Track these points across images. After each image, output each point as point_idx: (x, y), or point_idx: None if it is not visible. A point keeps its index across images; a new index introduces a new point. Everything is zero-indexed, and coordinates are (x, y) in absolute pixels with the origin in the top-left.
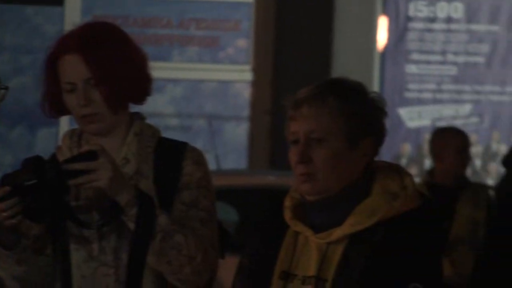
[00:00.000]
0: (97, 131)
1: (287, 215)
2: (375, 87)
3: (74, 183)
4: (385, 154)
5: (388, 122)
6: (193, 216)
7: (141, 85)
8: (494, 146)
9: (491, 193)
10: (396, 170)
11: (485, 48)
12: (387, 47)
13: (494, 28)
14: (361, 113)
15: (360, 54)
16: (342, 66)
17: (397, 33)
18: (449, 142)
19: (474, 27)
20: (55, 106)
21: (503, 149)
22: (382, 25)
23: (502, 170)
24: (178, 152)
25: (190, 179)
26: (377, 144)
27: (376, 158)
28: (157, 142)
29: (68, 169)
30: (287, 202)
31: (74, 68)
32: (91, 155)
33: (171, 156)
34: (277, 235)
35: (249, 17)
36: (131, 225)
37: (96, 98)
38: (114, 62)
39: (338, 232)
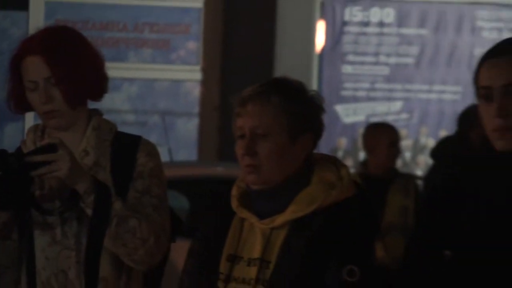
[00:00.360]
0: (57, 126)
1: (234, 203)
2: (314, 86)
3: (35, 174)
4: (323, 147)
5: (325, 118)
6: (146, 203)
7: (98, 84)
8: (423, 140)
9: (420, 183)
10: (333, 162)
11: (414, 50)
12: (324, 49)
13: (422, 31)
14: (301, 110)
15: (300, 56)
16: (284, 67)
17: (334, 37)
18: (381, 136)
19: (404, 31)
20: (20, 103)
21: (430, 142)
22: (320, 29)
23: (430, 161)
24: (133, 145)
25: (143, 169)
26: (315, 139)
27: (315, 151)
28: (113, 136)
29: (30, 161)
30: (234, 191)
31: (36, 68)
32: (51, 148)
33: (126, 148)
34: (224, 222)
35: (199, 22)
36: (89, 212)
37: (56, 95)
38: (72, 63)
39: (281, 219)
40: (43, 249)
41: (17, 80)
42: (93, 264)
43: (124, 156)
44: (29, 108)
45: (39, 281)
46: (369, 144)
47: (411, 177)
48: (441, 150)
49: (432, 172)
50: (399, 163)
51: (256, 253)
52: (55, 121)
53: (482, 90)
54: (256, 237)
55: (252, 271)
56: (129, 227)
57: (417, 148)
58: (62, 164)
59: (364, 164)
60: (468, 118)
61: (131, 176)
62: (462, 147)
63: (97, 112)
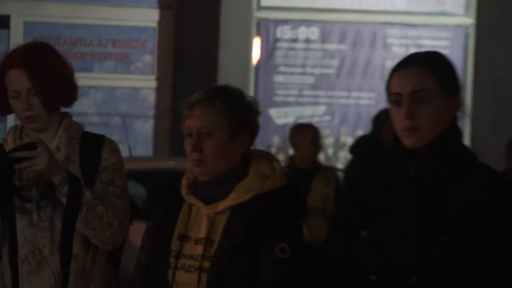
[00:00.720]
0: (35, 128)
1: (184, 191)
2: (251, 93)
3: (18, 167)
4: (259, 145)
5: (261, 120)
6: (110, 192)
7: (70, 93)
8: (343, 138)
9: (340, 174)
10: (267, 157)
11: (335, 62)
12: (260, 62)
13: (342, 47)
14: (240, 113)
15: (239, 67)
16: (226, 77)
17: (268, 51)
18: (304, 134)
19: (327, 46)
20: (3, 108)
21: (349, 140)
22: (256, 45)
23: (349, 156)
24: (98, 143)
25: (108, 164)
26: (252, 137)
27: (252, 148)
28: (81, 135)
29: (13, 156)
30: (184, 181)
31: (18, 80)
32: (32, 146)
33: (92, 145)
34: (176, 207)
35: (153, 38)
36: (63, 200)
37: (35, 103)
38: (50, 75)
39: (223, 205)
40: (22, 231)
41: (1, 89)
42: (67, 244)
43: (91, 152)
44: (11, 112)
45: (19, 257)
46: (294, 141)
47: (332, 169)
48: (358, 147)
49: (350, 165)
50: (322, 158)
51: (202, 233)
52: (34, 125)
53: (393, 96)
54: (202, 220)
55: (199, 249)
56: (97, 213)
57: (338, 145)
58: (41, 159)
59: (291, 158)
60: (380, 120)
61: (97, 169)
62: (376, 144)
63: (67, 115)
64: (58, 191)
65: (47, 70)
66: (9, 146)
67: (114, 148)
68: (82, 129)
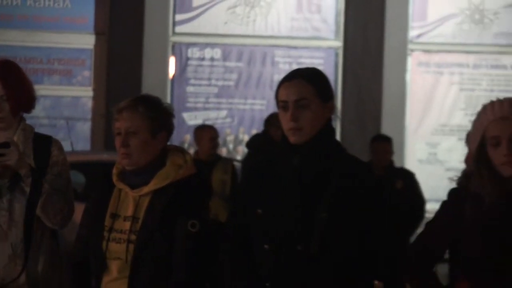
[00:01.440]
0: (1, 128)
1: (114, 178)
2: (168, 100)
3: None
4: (174, 141)
5: (175, 122)
6: (60, 183)
7: (31, 101)
8: (240, 136)
9: (237, 164)
10: (180, 151)
11: (234, 76)
12: (175, 76)
13: (239, 64)
14: (159, 116)
15: (158, 80)
16: (148, 87)
17: (181, 68)
18: (204, 133)
19: (227, 63)
20: None
21: (246, 138)
22: (172, 62)
23: (245, 150)
24: (47, 142)
25: (57, 159)
26: (168, 135)
27: (169, 143)
28: (33, 135)
29: None
30: (114, 170)
31: None
32: (5, 144)
33: (43, 144)
34: (108, 191)
35: (91, 57)
36: (27, 189)
37: (5, 108)
38: (19, 86)
39: (146, 189)
40: None
41: None
42: (30, 225)
43: (42, 149)
44: None
45: None
46: (197, 139)
47: (229, 160)
48: (252, 143)
49: (246, 158)
50: (224, 152)
51: (130, 212)
52: (1, 125)
53: (281, 103)
54: (129, 202)
55: (127, 225)
56: (53, 201)
57: (237, 142)
58: (12, 156)
59: (196, 152)
60: (270, 122)
61: (47, 163)
62: (267, 141)
63: (23, 118)
64: (23, 181)
65: (17, 81)
66: None
67: (60, 146)
68: (33, 130)
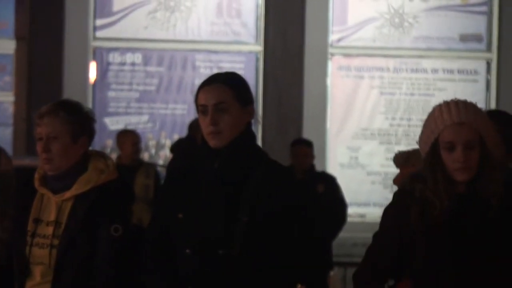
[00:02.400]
0: None
1: (36, 183)
2: (89, 105)
3: None
4: (96, 146)
5: (97, 126)
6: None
7: None
8: (162, 141)
9: (159, 168)
10: (102, 156)
11: (155, 81)
12: (96, 81)
13: (160, 69)
14: (80, 121)
15: (79, 85)
16: (69, 93)
17: (102, 72)
18: (126, 138)
19: (148, 68)
20: None
21: (168, 142)
22: (93, 67)
23: (168, 155)
24: None
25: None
26: (90, 140)
27: (90, 148)
28: None
29: None
30: (36, 175)
31: None
32: None
33: None
34: (31, 196)
35: (12, 63)
36: None
37: None
38: None
39: (68, 194)
40: None
41: None
42: None
43: None
44: None
45: None
46: (119, 144)
47: (152, 165)
48: (176, 147)
49: (170, 162)
50: (147, 156)
51: (52, 217)
52: None
53: (200, 107)
54: (52, 206)
55: (50, 229)
56: None
57: (159, 146)
58: None
59: (118, 157)
60: (194, 126)
61: None
62: (190, 145)
63: None
64: None
65: None
66: None
67: (7, 154)
68: None
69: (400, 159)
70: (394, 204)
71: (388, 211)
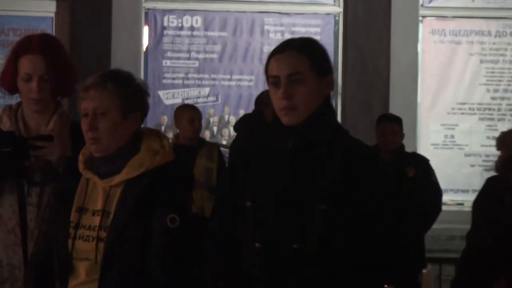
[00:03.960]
0: (38, 110)
1: (81, 166)
2: (141, 76)
3: (35, 154)
4: (149, 123)
5: (151, 101)
6: None
7: (72, 84)
8: (226, 117)
9: (223, 149)
10: (156, 134)
11: (217, 48)
12: (149, 48)
13: (223, 34)
14: (131, 94)
15: (130, 53)
16: (118, 62)
17: (156, 38)
18: (185, 114)
19: (209, 33)
20: (11, 88)
21: (232, 119)
22: (145, 32)
23: (232, 133)
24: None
25: None
26: (142, 116)
27: (143, 126)
28: (71, 123)
29: (32, 144)
30: (80, 157)
31: (34, 65)
32: (49, 137)
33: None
34: (74, 181)
35: (51, 27)
36: None
37: (46, 88)
38: (62, 65)
39: (117, 179)
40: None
41: (13, 70)
42: None
43: (82, 140)
44: (17, 91)
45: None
46: (176, 120)
47: (215, 145)
48: (241, 125)
49: (235, 142)
50: (208, 135)
51: (99, 205)
52: (38, 107)
53: (271, 78)
54: (98, 193)
55: (96, 220)
56: None
57: (222, 123)
58: (55, 151)
59: (176, 136)
60: (263, 100)
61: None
62: (258, 122)
63: (60, 103)
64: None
65: (61, 60)
66: (4, 123)
67: None
68: (71, 117)
69: (498, 140)
70: (483, 195)
71: (477, 203)
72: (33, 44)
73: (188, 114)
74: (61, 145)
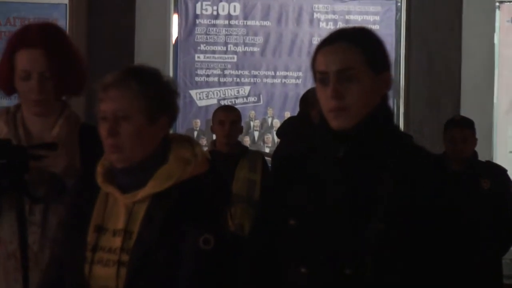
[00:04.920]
0: (40, 113)
1: (99, 179)
2: (170, 73)
3: (37, 165)
4: (180, 128)
5: (181, 102)
6: None
7: (82, 81)
8: (269, 120)
9: (267, 158)
10: (187, 141)
11: (259, 40)
12: (179, 40)
13: (266, 23)
14: (158, 94)
15: (157, 46)
16: (143, 56)
17: (187, 28)
18: (224, 117)
19: (250, 22)
20: (7, 88)
21: (276, 123)
22: (174, 21)
23: (276, 139)
24: (98, 135)
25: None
26: (171, 120)
27: (173, 132)
28: (80, 126)
29: (33, 154)
30: (99, 169)
31: (33, 60)
32: (53, 146)
33: (93, 138)
34: (91, 196)
35: (65, 16)
36: None
37: (47, 87)
38: (67, 59)
39: (142, 193)
40: (11, 224)
41: (8, 67)
42: None
43: (92, 145)
44: (15, 92)
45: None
46: (214, 125)
47: (258, 154)
48: (285, 130)
49: (278, 149)
50: (248, 141)
51: (120, 224)
52: (40, 109)
53: (319, 74)
54: (120, 210)
55: (117, 241)
56: None
57: (264, 128)
58: (60, 161)
59: (213, 142)
60: (309, 100)
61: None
62: (304, 126)
63: (67, 104)
64: (66, 191)
65: (65, 53)
66: (1, 129)
67: None
68: (80, 119)
69: None
70: None
71: None
72: (31, 35)
73: (219, 115)
74: (68, 153)
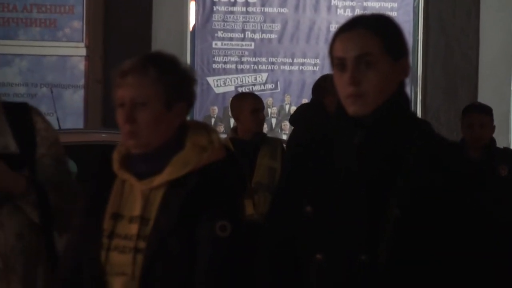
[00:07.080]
0: None
1: (116, 166)
2: (187, 60)
3: None
4: (197, 115)
5: (198, 89)
6: (62, 171)
7: None
8: (287, 107)
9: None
10: (204, 128)
11: (277, 27)
12: (196, 27)
13: (284, 10)
14: (175, 81)
15: (174, 33)
16: (160, 43)
17: (205, 15)
18: (245, 103)
19: (267, 9)
20: None
21: (293, 109)
22: (192, 8)
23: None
24: (24, 111)
25: (48, 135)
26: (188, 107)
27: (190, 118)
28: (2, 105)
29: None
30: (115, 155)
31: None
32: None
33: (20, 115)
34: (108, 183)
35: (82, 3)
36: (27, 208)
37: None
38: None
39: (159, 180)
40: None
41: None
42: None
43: (21, 122)
44: None
45: None
46: (234, 112)
47: (278, 141)
48: (298, 117)
49: (292, 136)
50: (265, 128)
51: (137, 211)
52: None
53: (336, 60)
54: (136, 197)
55: (134, 228)
56: (65, 213)
57: (282, 115)
58: None
59: (234, 130)
60: (322, 87)
61: (34, 142)
62: (317, 113)
63: None
64: (20, 201)
65: None
66: None
67: (44, 117)
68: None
69: None
70: None
71: None
72: None
73: (251, 103)
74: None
